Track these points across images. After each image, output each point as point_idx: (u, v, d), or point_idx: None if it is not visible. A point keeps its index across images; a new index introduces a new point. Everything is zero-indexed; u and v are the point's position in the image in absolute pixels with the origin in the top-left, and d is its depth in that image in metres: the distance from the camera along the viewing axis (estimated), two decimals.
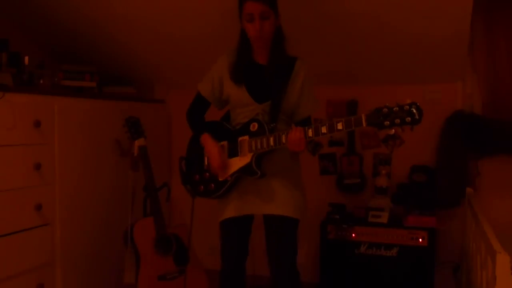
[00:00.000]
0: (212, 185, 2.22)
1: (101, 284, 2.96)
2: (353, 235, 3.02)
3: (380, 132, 1.80)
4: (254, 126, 2.12)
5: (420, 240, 2.90)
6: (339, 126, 1.87)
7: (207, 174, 2.26)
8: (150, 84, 3.73)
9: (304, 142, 1.95)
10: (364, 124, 1.82)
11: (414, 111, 1.76)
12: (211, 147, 2.20)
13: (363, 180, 3.31)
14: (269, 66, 2.16)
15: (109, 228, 2.99)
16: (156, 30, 3.03)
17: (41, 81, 2.82)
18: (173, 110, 3.76)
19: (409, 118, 1.76)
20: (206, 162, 2.27)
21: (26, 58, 2.76)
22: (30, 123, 2.49)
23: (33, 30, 3.27)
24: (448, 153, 3.07)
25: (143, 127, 2.85)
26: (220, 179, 2.21)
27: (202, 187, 2.27)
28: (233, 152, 2.18)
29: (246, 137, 2.13)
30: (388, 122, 1.78)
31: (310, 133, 1.94)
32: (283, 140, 2.00)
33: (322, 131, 1.92)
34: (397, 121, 1.77)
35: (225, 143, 2.22)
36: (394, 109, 1.78)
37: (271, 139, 2.04)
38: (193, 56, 3.21)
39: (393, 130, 1.81)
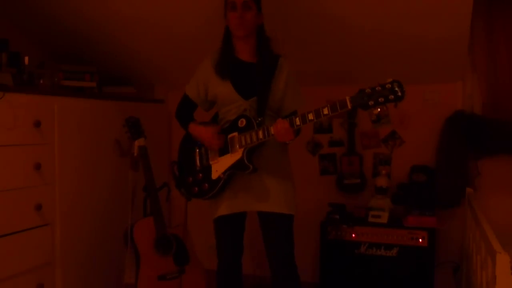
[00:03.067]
0: (206, 185, 2.23)
1: (101, 284, 2.96)
2: (353, 235, 3.01)
3: (367, 112, 1.86)
4: (242, 122, 2.15)
5: (420, 240, 2.89)
6: (325, 111, 1.92)
7: (200, 175, 2.27)
8: (150, 84, 3.73)
9: (291, 131, 2.00)
10: (349, 106, 1.87)
11: (396, 88, 1.79)
12: (200, 128, 2.26)
13: (363, 180, 3.31)
14: (257, 63, 2.21)
15: (109, 228, 2.99)
16: (156, 30, 3.03)
17: (41, 81, 2.82)
18: (173, 110, 3.71)
19: (392, 96, 1.79)
20: (198, 163, 2.28)
21: (26, 58, 2.76)
22: (30, 123, 2.49)
23: (33, 30, 3.27)
24: (448, 153, 3.07)
25: (143, 127, 2.85)
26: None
27: (196, 188, 2.27)
28: (224, 150, 2.19)
29: (235, 134, 2.16)
30: (373, 102, 1.82)
31: (297, 121, 1.98)
32: (272, 131, 2.03)
33: (309, 118, 1.96)
34: (381, 99, 1.81)
35: None
36: (377, 88, 1.82)
37: (260, 132, 2.07)
38: (193, 56, 3.18)
39: (378, 109, 1.84)
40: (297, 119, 1.98)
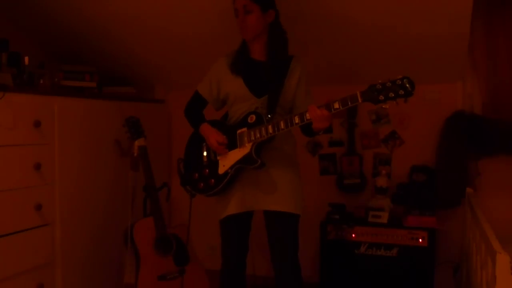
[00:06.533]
0: (212, 180, 2.23)
1: (101, 284, 2.96)
2: (353, 235, 3.01)
3: (376, 107, 1.89)
4: (252, 118, 2.17)
5: (420, 240, 2.89)
6: (336, 105, 1.94)
7: (207, 170, 2.27)
8: (150, 84, 3.73)
9: (329, 117, 1.97)
10: (359, 100, 1.89)
11: (407, 84, 1.82)
12: (209, 130, 2.26)
13: (363, 180, 3.31)
14: (267, 61, 2.23)
15: (109, 228, 2.99)
16: (156, 30, 3.03)
17: (41, 81, 2.82)
18: (173, 110, 3.76)
19: (402, 91, 1.82)
20: (205, 158, 2.29)
21: (26, 58, 2.76)
22: (30, 123, 2.49)
23: (33, 30, 3.27)
24: (448, 153, 3.07)
25: (143, 127, 2.85)
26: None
27: (202, 184, 2.28)
28: (232, 145, 2.20)
29: (244, 129, 2.17)
30: (383, 97, 1.84)
31: (336, 104, 1.95)
32: (308, 116, 1.99)
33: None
34: (391, 94, 1.83)
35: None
36: (387, 84, 1.84)
37: (269, 127, 2.08)
38: (193, 56, 3.21)
39: (388, 104, 1.86)
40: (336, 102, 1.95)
